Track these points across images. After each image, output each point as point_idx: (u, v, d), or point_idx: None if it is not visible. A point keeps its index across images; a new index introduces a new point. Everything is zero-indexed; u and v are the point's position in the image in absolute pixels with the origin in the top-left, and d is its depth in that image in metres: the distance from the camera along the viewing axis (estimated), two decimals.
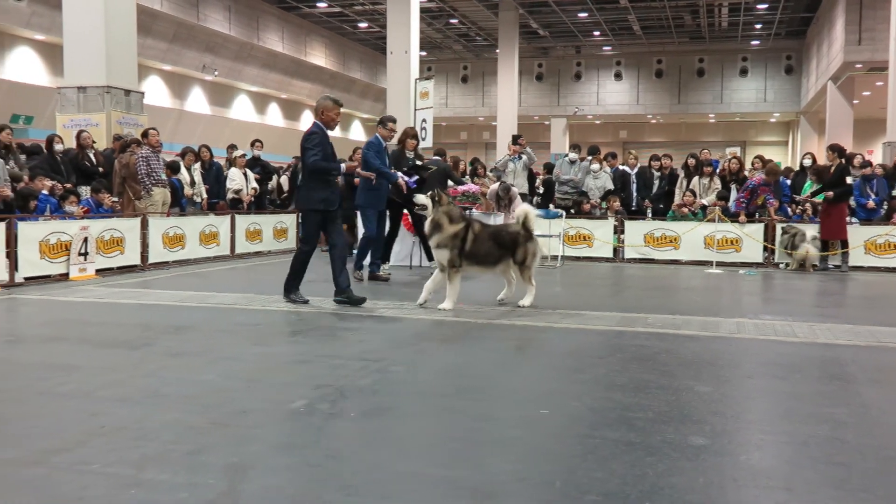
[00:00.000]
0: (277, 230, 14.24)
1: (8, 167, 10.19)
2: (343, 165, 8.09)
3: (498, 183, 12.97)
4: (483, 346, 6.09)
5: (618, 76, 37.42)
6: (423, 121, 18.50)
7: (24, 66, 22.62)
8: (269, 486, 3.07)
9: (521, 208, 8.03)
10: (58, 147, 11.42)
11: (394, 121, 9.95)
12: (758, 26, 32.56)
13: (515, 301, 7.86)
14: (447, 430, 3.87)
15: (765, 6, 29.06)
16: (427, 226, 7.58)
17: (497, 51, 32.84)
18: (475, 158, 16.90)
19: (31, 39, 22.46)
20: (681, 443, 3.64)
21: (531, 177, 14.96)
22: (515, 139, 14.71)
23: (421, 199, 7.65)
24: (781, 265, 12.38)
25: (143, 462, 3.31)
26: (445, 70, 39.16)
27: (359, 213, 10.51)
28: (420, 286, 7.81)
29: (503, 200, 12.63)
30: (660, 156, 14.97)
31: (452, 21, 32.74)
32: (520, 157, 14.36)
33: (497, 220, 12.19)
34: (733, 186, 13.48)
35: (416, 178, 9.76)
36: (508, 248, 7.69)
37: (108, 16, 13.26)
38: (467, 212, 11.29)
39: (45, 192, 10.16)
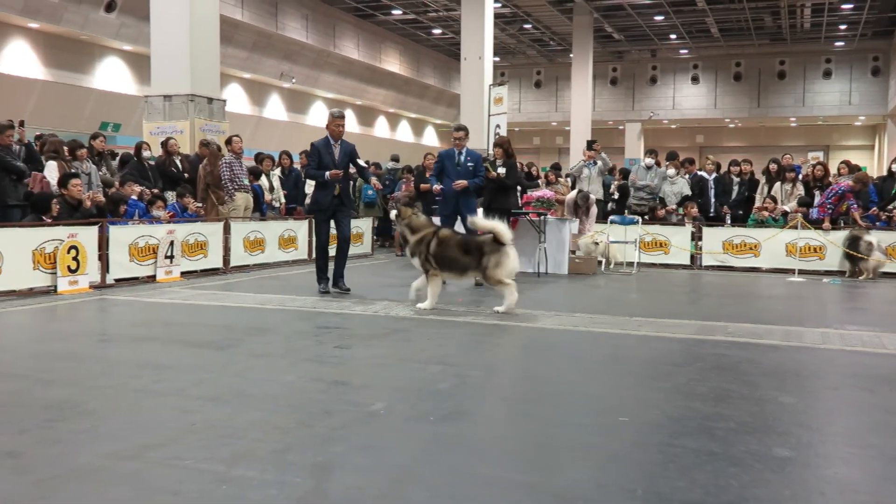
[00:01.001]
0: (354, 235, 14.44)
1: (100, 173, 10.63)
2: (326, 174, 8.82)
3: (576, 191, 12.88)
4: (559, 352, 6.09)
5: (695, 80, 36.78)
6: (497, 126, 18.56)
7: (113, 76, 23.54)
8: (354, 486, 3.15)
9: (488, 225, 8.05)
10: (145, 154, 11.86)
11: (457, 129, 10.29)
12: (842, 27, 31.56)
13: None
14: (526, 436, 3.89)
15: (850, 6, 28.15)
16: (399, 239, 8.15)
17: (571, 55, 32.65)
18: (556, 164, 16.82)
19: (119, 50, 23.36)
20: (765, 454, 3.59)
21: (606, 182, 14.84)
22: (590, 144, 14.61)
23: (394, 211, 8.50)
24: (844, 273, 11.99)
25: (232, 459, 3.43)
26: (519, 75, 39.15)
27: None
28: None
29: (581, 208, 12.55)
30: (739, 161, 14.67)
31: (526, 26, 32.71)
32: (595, 163, 14.27)
33: (573, 226, 12.13)
34: (816, 193, 13.11)
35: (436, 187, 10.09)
36: (475, 256, 7.80)
37: (193, 27, 13.71)
38: (541, 217, 11.33)
39: (134, 197, 10.57)
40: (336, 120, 8.98)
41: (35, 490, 3.07)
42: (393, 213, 8.57)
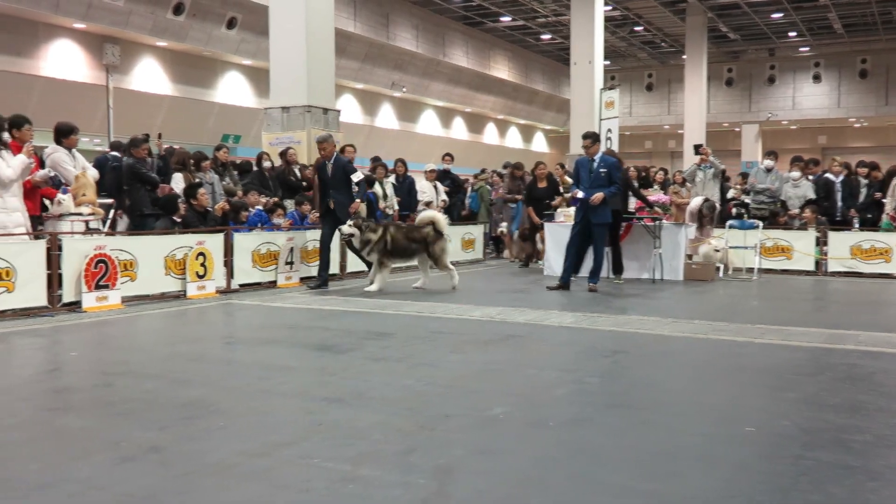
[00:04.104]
0: (465, 241, 14.57)
1: (224, 183, 11.11)
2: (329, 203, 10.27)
3: (702, 199, 12.50)
4: (678, 359, 5.96)
5: (816, 78, 35.20)
6: (609, 130, 18.29)
7: (234, 90, 24.55)
8: (477, 490, 3.17)
9: (427, 214, 10.45)
10: (265, 164, 12.31)
11: (584, 137, 10.26)
12: None
13: (437, 288, 9.92)
14: (647, 444, 3.82)
15: None
16: (359, 243, 9.78)
17: (684, 57, 31.91)
18: (678, 171, 16.46)
19: (239, 64, 24.35)
20: None
21: (722, 186, 14.42)
22: (696, 149, 14.24)
23: (346, 229, 9.78)
24: None
25: (358, 459, 3.52)
26: (629, 78, 38.50)
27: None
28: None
29: (706, 217, 12.22)
30: (866, 162, 13.95)
31: (637, 28, 32.17)
32: (710, 166, 13.89)
33: (689, 231, 11.82)
34: None
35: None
36: (420, 243, 9.96)
37: (310, 40, 14.12)
38: (656, 222, 11.11)
39: (259, 207, 10.98)
40: (318, 145, 10.25)
41: (176, 483, 3.24)
42: (347, 230, 9.74)
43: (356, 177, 10.19)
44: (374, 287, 9.74)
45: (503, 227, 15.17)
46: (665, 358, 6.02)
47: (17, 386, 5.13)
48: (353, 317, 7.94)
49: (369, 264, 10.29)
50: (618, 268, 11.06)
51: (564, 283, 9.98)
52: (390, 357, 5.88)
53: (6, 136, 7.82)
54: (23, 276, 7.62)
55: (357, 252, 10.30)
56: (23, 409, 4.49)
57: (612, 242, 10.86)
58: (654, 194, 12.59)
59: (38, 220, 8.48)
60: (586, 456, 3.62)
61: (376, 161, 13.85)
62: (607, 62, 26.99)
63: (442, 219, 10.22)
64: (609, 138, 17.39)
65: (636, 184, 12.81)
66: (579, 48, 21.44)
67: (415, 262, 10.43)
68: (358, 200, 10.08)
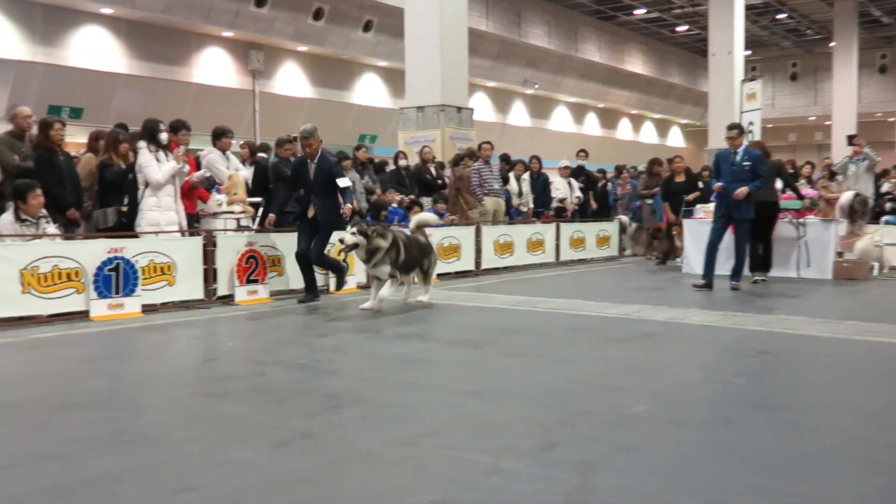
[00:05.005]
0: (600, 238, 14.41)
1: (363, 181, 11.45)
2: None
3: (853, 194, 11.86)
4: (830, 361, 5.69)
5: None
6: (750, 123, 17.65)
7: (370, 91, 25.24)
8: (621, 487, 3.16)
9: (424, 217, 9.02)
10: (402, 162, 12.61)
11: (729, 128, 9.93)
12: None
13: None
14: (797, 446, 3.68)
15: None
16: (365, 254, 7.92)
17: (832, 44, 30.28)
18: (826, 159, 15.68)
19: (375, 66, 25.00)
20: None
21: (876, 180, 13.61)
22: (850, 139, 13.47)
23: (350, 238, 7.84)
24: None
25: (499, 451, 3.57)
26: (772, 69, 36.86)
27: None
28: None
29: (858, 213, 11.58)
30: None
31: (780, 16, 30.80)
32: (863, 159, 13.12)
33: (840, 228, 11.20)
34: None
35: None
36: (425, 253, 8.54)
37: (444, 41, 14.35)
38: (803, 220, 10.63)
39: (394, 204, 11.27)
40: (301, 140, 8.62)
41: (329, 468, 3.39)
42: (351, 238, 7.85)
43: (343, 182, 8.53)
44: (371, 304, 8.03)
45: (623, 220, 15.05)
46: (815, 359, 5.76)
47: (179, 373, 5.51)
48: (488, 313, 8.02)
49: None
50: (765, 264, 10.56)
51: (708, 283, 9.65)
52: (528, 353, 5.91)
53: (165, 136, 8.35)
54: (182, 270, 8.15)
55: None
56: (184, 395, 4.81)
57: (763, 237, 10.39)
58: (802, 189, 12.03)
59: (195, 218, 9.02)
60: (732, 457, 3.53)
61: (505, 159, 13.89)
62: (748, 52, 25.92)
63: (434, 221, 9.24)
64: (751, 131, 16.77)
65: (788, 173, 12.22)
66: (718, 39, 20.77)
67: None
68: (348, 206, 8.41)
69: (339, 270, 8.86)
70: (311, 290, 8.75)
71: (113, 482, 3.25)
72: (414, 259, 8.27)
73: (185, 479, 3.27)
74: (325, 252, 8.78)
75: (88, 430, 3.96)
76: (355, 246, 7.84)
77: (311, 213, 8.52)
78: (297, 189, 8.74)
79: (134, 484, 3.22)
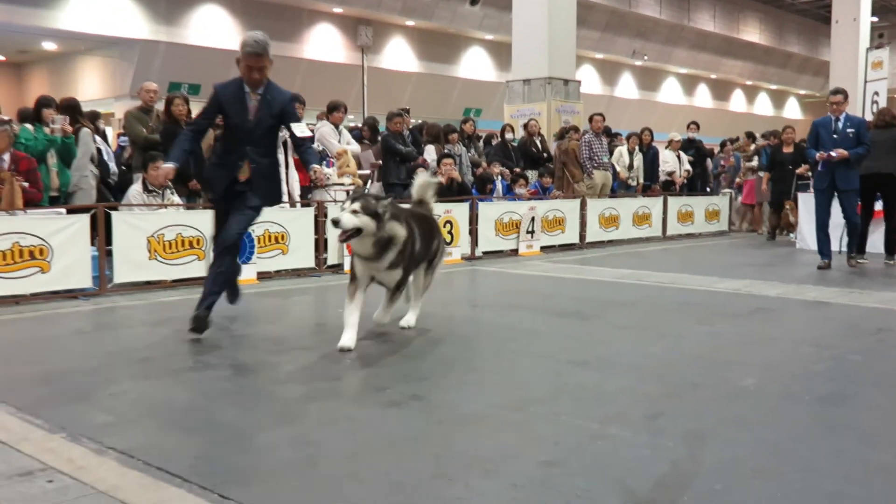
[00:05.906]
0: (709, 212, 14.05)
1: (469, 154, 11.53)
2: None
3: None
4: None
5: None
6: (875, 93, 16.80)
7: (475, 65, 25.25)
8: (728, 458, 3.14)
9: (423, 180, 5.85)
10: (508, 136, 12.62)
11: (834, 93, 9.18)
12: None
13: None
14: None
15: None
16: (372, 247, 4.94)
17: None
18: None
19: (482, 40, 24.96)
20: None
21: None
22: None
23: (348, 220, 4.78)
24: None
25: (604, 419, 3.61)
26: None
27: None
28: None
29: None
30: None
31: None
32: None
33: None
34: None
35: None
36: (431, 239, 5.59)
37: (552, 12, 14.21)
38: None
39: (500, 177, 11.32)
40: (249, 58, 5.25)
41: (438, 428, 3.52)
42: (350, 220, 4.78)
43: (299, 129, 5.55)
44: (383, 317, 5.48)
45: (727, 193, 14.63)
46: None
47: (298, 337, 5.72)
48: (594, 286, 8.00)
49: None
50: (890, 245, 9.75)
51: (829, 262, 9.13)
52: (635, 325, 5.89)
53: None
54: (295, 240, 8.46)
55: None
56: (312, 359, 5.00)
57: (887, 215, 9.79)
58: None
59: (308, 189, 9.31)
60: (849, 433, 3.45)
61: (608, 133, 13.56)
62: (874, 18, 24.53)
63: (435, 182, 6.09)
64: (876, 101, 15.98)
65: None
66: (842, 5, 19.80)
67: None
68: (316, 166, 5.55)
69: (235, 289, 5.92)
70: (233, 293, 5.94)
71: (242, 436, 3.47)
72: (422, 251, 5.42)
73: (304, 433, 3.45)
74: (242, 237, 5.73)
75: (220, 385, 4.23)
76: (358, 232, 4.84)
77: (243, 175, 5.42)
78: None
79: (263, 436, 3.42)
